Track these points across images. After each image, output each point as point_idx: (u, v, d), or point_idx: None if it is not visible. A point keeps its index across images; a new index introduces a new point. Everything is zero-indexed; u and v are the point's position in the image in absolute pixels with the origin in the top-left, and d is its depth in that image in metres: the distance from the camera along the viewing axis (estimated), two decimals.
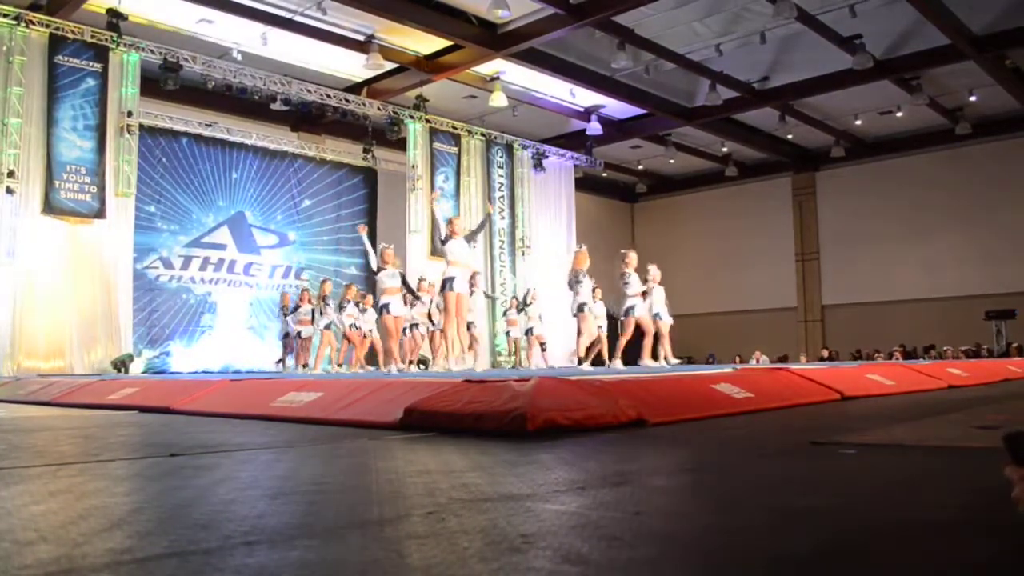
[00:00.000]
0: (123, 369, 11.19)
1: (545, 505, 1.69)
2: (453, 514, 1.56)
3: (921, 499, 1.83)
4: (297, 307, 12.91)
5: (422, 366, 13.17)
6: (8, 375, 10.23)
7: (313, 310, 12.70)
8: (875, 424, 3.82)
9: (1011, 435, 1.21)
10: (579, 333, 9.71)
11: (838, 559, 1.24)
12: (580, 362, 9.84)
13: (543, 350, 14.04)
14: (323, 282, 12.79)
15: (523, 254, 17.25)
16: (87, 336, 11.34)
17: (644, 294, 10.05)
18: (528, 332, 13.97)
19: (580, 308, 9.56)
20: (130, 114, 11.90)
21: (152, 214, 14.04)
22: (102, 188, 11.49)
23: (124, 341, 11.65)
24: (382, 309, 9.59)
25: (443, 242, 9.10)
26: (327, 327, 12.29)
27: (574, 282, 9.60)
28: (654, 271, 10.42)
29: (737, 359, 17.54)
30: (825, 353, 18.98)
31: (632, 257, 10.12)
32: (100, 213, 11.46)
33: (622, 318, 9.97)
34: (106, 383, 7.02)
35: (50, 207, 11.05)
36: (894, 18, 13.01)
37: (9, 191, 10.73)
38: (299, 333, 12.83)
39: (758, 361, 17.67)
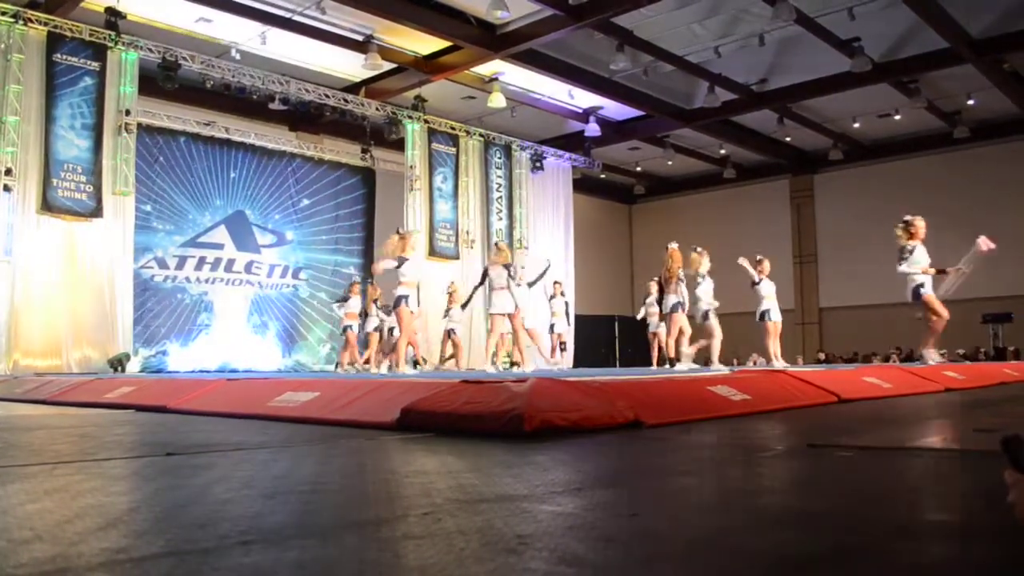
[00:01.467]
0: (120, 368, 11.18)
1: (542, 506, 1.68)
2: (449, 515, 1.56)
3: (917, 502, 1.83)
4: (346, 298, 12.94)
5: (418, 367, 13.20)
6: (4, 373, 10.22)
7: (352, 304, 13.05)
8: (872, 427, 3.83)
9: (1009, 439, 1.21)
10: (680, 333, 9.59)
11: (834, 561, 1.24)
12: (674, 362, 9.58)
13: (563, 349, 13.39)
14: (370, 285, 12.93)
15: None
16: (83, 334, 11.33)
17: (941, 272, 8.85)
18: (550, 329, 13.45)
19: (674, 308, 9.46)
20: (128, 113, 11.89)
21: (148, 213, 14.01)
22: (99, 187, 11.48)
23: (121, 340, 11.63)
24: (399, 301, 9.06)
25: (486, 275, 9.51)
26: (375, 329, 12.45)
27: (678, 281, 9.48)
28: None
29: (735, 361, 17.54)
30: (822, 356, 18.99)
31: (919, 225, 8.99)
32: (97, 212, 11.45)
33: (912, 300, 9.00)
34: (103, 382, 7.01)
35: (47, 205, 11.04)
36: (893, 21, 13.03)
37: (6, 189, 10.72)
38: (347, 328, 12.90)
39: (755, 363, 17.67)
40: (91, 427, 4.08)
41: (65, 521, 1.52)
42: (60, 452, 2.94)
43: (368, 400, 4.06)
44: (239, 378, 6.51)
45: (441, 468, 2.35)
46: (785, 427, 3.75)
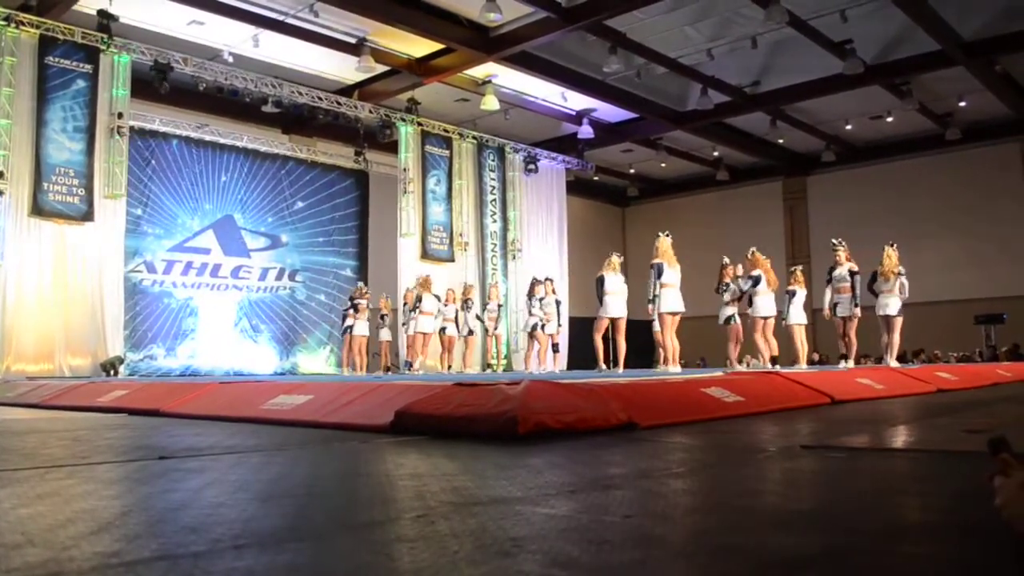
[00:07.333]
0: (112, 371, 11.14)
1: (535, 508, 1.69)
2: (443, 517, 1.56)
3: (908, 502, 1.85)
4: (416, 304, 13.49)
5: (400, 370, 13.26)
6: None
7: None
8: (864, 428, 3.84)
9: (995, 441, 1.22)
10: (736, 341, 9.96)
11: (826, 562, 1.25)
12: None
13: (555, 351, 12.83)
14: (424, 283, 13.42)
15: (514, 257, 17.25)
16: (74, 339, 11.28)
17: None
18: (538, 327, 12.69)
19: (728, 320, 9.81)
20: (120, 116, 11.84)
21: (139, 217, 13.94)
22: (90, 191, 11.43)
23: (110, 344, 11.59)
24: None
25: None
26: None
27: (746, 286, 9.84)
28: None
29: (728, 363, 17.52)
30: (816, 356, 19.01)
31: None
32: (88, 216, 11.40)
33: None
34: (95, 385, 6.98)
35: (38, 209, 10.99)
36: (885, 23, 13.09)
37: None
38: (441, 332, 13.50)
39: (748, 365, 17.68)
40: (84, 431, 4.07)
41: (57, 525, 1.51)
42: (52, 456, 2.93)
43: (362, 403, 4.05)
44: (232, 381, 6.50)
45: (435, 471, 2.35)
46: (778, 428, 3.76)
